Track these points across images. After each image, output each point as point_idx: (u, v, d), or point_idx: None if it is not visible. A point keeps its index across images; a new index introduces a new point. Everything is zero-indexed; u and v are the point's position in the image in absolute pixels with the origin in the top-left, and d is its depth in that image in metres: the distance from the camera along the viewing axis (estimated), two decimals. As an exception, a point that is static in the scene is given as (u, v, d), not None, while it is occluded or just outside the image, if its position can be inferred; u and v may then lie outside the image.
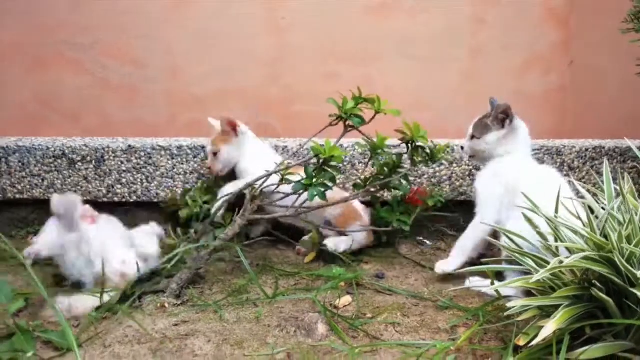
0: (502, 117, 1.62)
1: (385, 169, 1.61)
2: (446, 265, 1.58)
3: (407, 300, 1.45)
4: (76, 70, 2.65)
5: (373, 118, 1.53)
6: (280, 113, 2.61)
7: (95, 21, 2.68)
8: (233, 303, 1.41)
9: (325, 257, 1.74)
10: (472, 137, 1.67)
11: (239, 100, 2.59)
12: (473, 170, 1.96)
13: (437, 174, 1.97)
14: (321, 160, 1.47)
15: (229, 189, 1.81)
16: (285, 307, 1.39)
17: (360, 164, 1.97)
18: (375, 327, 1.29)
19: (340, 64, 2.57)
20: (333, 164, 1.48)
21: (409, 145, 1.59)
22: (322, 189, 1.46)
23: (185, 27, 2.70)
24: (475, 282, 1.50)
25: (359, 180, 1.74)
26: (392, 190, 1.74)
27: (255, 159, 1.83)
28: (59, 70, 2.64)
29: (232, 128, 1.85)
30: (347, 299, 1.43)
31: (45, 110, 2.67)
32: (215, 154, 1.85)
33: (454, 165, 1.97)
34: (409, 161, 1.63)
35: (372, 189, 1.64)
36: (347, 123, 1.53)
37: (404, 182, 1.63)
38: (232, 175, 1.90)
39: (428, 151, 1.60)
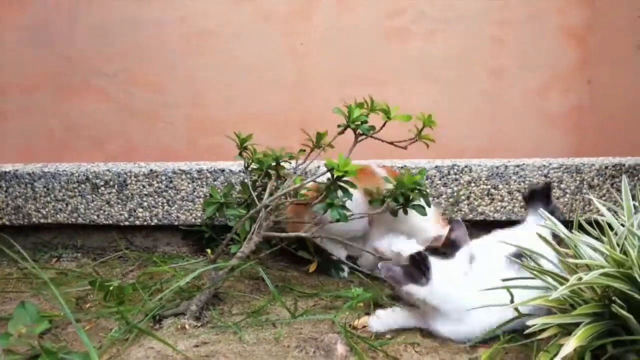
0: None
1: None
2: None
3: (427, 321, 1.44)
4: (101, 98, 2.72)
5: (383, 126, 1.55)
6: (301, 136, 2.65)
7: (119, 51, 2.76)
8: (252, 324, 1.41)
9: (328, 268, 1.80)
10: None
11: (259, 125, 2.63)
12: (491, 190, 1.96)
13: (455, 193, 1.97)
14: (335, 176, 1.46)
15: None
16: (305, 327, 1.39)
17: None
18: (395, 347, 1.28)
19: (360, 87, 2.58)
20: (347, 179, 1.47)
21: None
22: (343, 210, 1.47)
23: (205, 54, 2.76)
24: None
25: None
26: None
27: None
28: (84, 98, 2.72)
29: None
30: (365, 319, 1.42)
31: (71, 137, 2.75)
32: None
33: (472, 185, 1.97)
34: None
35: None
36: (357, 132, 1.55)
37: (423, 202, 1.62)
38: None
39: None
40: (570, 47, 2.63)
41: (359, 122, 1.53)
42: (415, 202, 1.59)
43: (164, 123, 2.81)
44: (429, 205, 1.63)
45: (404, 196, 1.58)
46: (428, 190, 1.65)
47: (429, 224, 1.69)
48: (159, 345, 1.28)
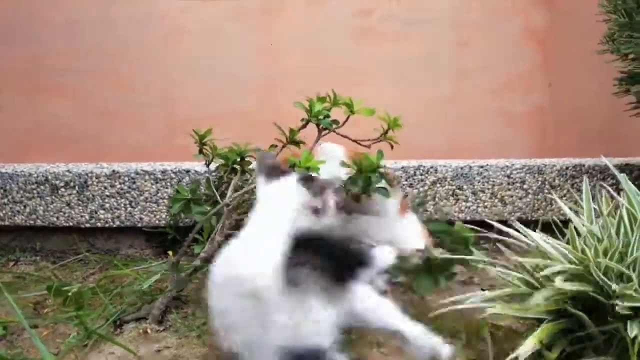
0: None
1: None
2: None
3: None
4: (71, 97, 2.66)
5: (346, 120, 1.54)
6: (272, 135, 2.63)
7: (91, 48, 2.69)
8: (216, 327, 1.39)
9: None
10: None
11: (231, 123, 2.59)
12: (456, 190, 1.98)
13: (421, 194, 1.98)
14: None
15: None
16: (269, 330, 1.38)
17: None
18: (359, 348, 1.28)
19: (328, 86, 2.59)
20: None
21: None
22: None
23: (179, 54, 2.72)
24: None
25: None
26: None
27: None
28: (54, 97, 2.64)
29: None
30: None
31: (41, 136, 2.67)
32: None
33: (437, 185, 1.98)
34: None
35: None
36: (319, 127, 1.53)
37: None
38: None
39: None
40: (531, 49, 2.68)
41: (321, 117, 1.51)
42: (378, 185, 1.49)
43: (137, 123, 2.75)
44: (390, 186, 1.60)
45: (364, 180, 1.48)
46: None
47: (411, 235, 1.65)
48: (119, 351, 1.26)
